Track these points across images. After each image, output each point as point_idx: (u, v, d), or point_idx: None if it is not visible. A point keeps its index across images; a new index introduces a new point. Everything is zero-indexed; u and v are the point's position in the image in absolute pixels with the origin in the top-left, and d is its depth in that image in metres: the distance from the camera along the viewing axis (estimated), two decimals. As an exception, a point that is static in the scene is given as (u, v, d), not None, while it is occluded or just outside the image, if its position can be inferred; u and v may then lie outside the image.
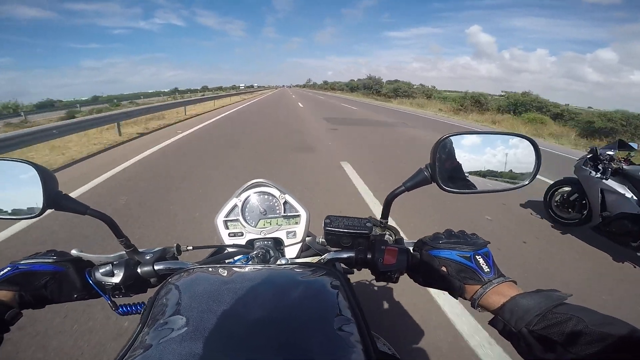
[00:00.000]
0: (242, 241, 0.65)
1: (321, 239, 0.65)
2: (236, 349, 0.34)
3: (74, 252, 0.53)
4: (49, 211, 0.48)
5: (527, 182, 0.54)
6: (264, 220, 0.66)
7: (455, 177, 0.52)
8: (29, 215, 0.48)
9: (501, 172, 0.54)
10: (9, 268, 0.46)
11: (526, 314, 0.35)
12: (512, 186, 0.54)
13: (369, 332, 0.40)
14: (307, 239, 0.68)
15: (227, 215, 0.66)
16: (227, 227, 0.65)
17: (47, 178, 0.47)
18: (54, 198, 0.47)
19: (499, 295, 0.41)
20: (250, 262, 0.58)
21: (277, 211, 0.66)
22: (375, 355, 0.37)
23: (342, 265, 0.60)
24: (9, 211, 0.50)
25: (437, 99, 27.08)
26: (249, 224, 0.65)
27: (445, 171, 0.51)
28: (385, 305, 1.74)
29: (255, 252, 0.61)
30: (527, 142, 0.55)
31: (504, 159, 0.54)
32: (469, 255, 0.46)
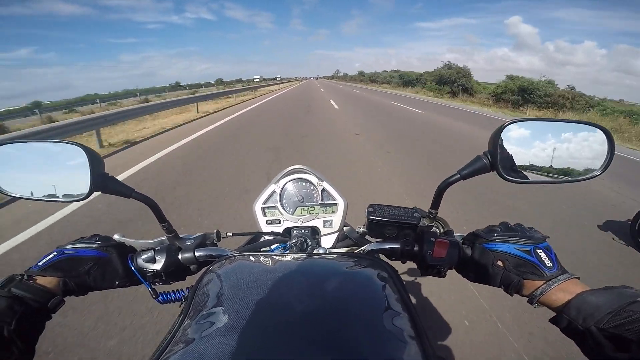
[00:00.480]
0: (279, 229, 0.63)
1: (361, 229, 0.62)
2: (283, 344, 0.32)
3: (116, 236, 0.54)
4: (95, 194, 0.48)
5: (598, 173, 0.49)
6: (300, 208, 0.64)
7: (517, 165, 0.48)
8: (76, 198, 0.48)
9: (567, 162, 0.49)
10: (55, 253, 0.46)
11: (596, 312, 0.33)
12: (581, 177, 0.49)
13: (424, 329, 0.37)
14: (344, 228, 0.66)
15: (265, 202, 0.64)
16: (264, 214, 0.64)
17: (95, 160, 0.46)
18: (101, 180, 0.47)
19: (563, 292, 0.38)
20: (288, 251, 0.57)
21: (315, 199, 0.65)
22: (433, 353, 0.34)
23: (383, 257, 0.58)
24: (57, 194, 0.50)
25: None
26: (286, 212, 0.64)
27: (506, 159, 0.47)
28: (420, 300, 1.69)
29: (293, 241, 0.60)
30: (599, 131, 0.49)
31: (570, 149, 0.49)
32: (529, 249, 0.43)
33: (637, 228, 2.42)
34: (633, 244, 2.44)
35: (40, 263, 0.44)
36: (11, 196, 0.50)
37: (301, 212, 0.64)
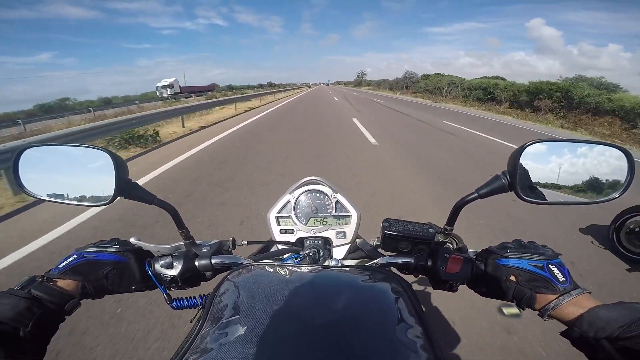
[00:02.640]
0: (292, 238, 0.64)
1: (375, 242, 0.63)
2: (300, 357, 0.32)
3: (132, 240, 0.54)
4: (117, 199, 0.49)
5: (617, 195, 0.49)
6: (314, 219, 0.65)
7: (536, 186, 0.48)
8: (100, 203, 0.49)
9: (586, 183, 0.49)
10: (75, 256, 0.47)
11: (607, 326, 0.34)
12: (600, 199, 0.49)
13: (438, 342, 0.37)
14: (357, 240, 0.66)
15: (280, 211, 0.65)
16: (278, 224, 0.65)
17: (120, 166, 0.48)
18: (125, 186, 0.48)
19: (575, 306, 0.39)
20: (301, 261, 0.57)
21: (328, 210, 0.65)
22: None
23: (395, 270, 0.58)
24: (82, 198, 0.51)
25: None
26: (300, 222, 0.64)
27: (525, 179, 0.47)
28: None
29: (306, 252, 0.60)
30: (619, 152, 0.49)
31: (589, 170, 0.49)
32: (541, 264, 0.44)
33: (615, 229, 2.45)
34: (610, 246, 2.47)
35: (60, 266, 0.45)
36: (37, 198, 0.52)
37: (314, 223, 0.64)
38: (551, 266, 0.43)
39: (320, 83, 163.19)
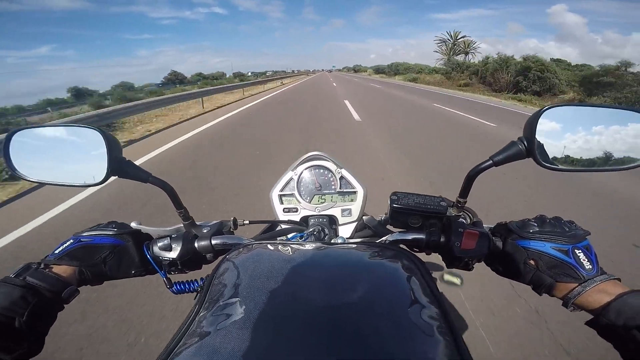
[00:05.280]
0: (296, 217, 0.62)
1: (383, 218, 0.60)
2: (304, 339, 0.30)
3: (133, 224, 0.52)
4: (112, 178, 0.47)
5: None
6: (318, 196, 0.62)
7: (555, 152, 0.45)
8: (93, 182, 0.47)
9: (609, 149, 0.46)
10: (71, 241, 0.45)
11: (638, 314, 0.32)
12: (624, 166, 0.46)
13: (455, 324, 0.35)
14: (364, 217, 0.64)
15: (282, 189, 0.63)
16: (281, 202, 0.63)
17: (112, 144, 0.45)
18: (118, 165, 0.46)
19: (601, 293, 0.36)
20: (306, 240, 0.55)
21: (333, 187, 0.63)
22: (466, 349, 0.31)
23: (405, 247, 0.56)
24: (74, 178, 0.50)
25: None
26: (303, 200, 0.62)
27: (544, 145, 0.44)
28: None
29: (310, 230, 0.58)
30: None
31: (614, 137, 0.46)
32: (566, 249, 0.40)
33: None
34: None
35: (56, 251, 0.43)
36: (28, 180, 0.50)
37: (319, 201, 0.62)
38: (577, 250, 0.39)
39: (322, 70, 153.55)
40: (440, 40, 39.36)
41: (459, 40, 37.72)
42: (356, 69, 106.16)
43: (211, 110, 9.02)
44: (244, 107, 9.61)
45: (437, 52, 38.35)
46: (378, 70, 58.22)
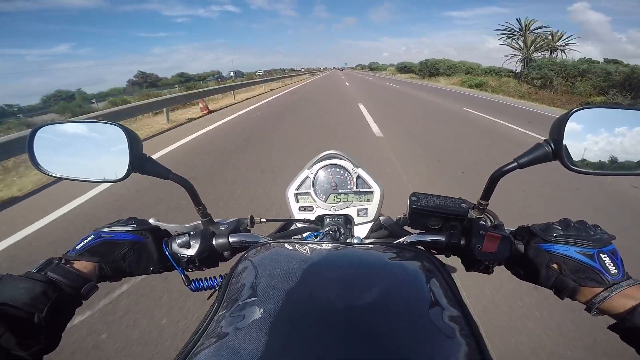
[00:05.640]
0: (311, 216, 0.62)
1: (401, 219, 0.59)
2: (323, 339, 0.29)
3: (151, 220, 0.53)
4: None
5: None
6: (334, 195, 0.62)
7: (583, 155, 0.43)
8: (115, 179, 0.48)
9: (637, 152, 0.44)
10: (92, 236, 0.45)
11: None
12: None
13: (478, 327, 0.34)
14: (381, 218, 0.63)
15: (298, 187, 0.63)
16: (297, 201, 0.63)
17: (134, 141, 0.46)
18: (139, 161, 0.46)
19: (627, 298, 0.35)
20: (322, 240, 0.55)
21: (349, 186, 0.62)
22: (489, 355, 0.30)
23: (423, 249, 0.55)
24: (96, 174, 0.50)
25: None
26: (319, 199, 0.61)
27: (571, 147, 0.42)
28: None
29: (326, 229, 0.58)
30: None
31: None
32: (591, 253, 0.39)
33: None
34: None
35: (77, 247, 0.44)
36: (51, 176, 0.51)
37: (334, 200, 0.62)
38: (602, 255, 0.39)
39: (334, 68, 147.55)
40: (505, 31, 24.54)
41: (534, 32, 23.49)
42: (373, 67, 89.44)
43: (175, 127, 6.48)
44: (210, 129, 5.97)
45: (505, 45, 24.03)
46: (404, 68, 43.55)
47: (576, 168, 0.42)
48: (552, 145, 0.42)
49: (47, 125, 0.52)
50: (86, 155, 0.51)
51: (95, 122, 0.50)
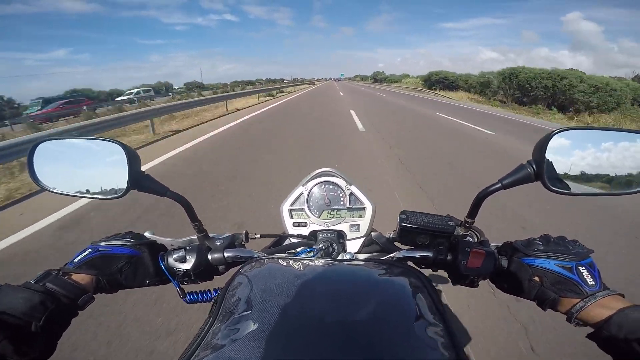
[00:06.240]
0: (305, 232, 0.63)
1: (391, 235, 0.61)
2: (316, 354, 0.31)
3: (147, 234, 0.54)
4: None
5: None
6: (327, 212, 0.64)
7: (564, 176, 0.46)
8: (113, 196, 0.49)
9: (620, 174, 0.47)
10: (90, 250, 0.46)
11: (639, 328, 0.33)
12: (635, 190, 0.46)
13: (460, 341, 0.36)
14: (372, 233, 0.64)
15: (293, 204, 0.64)
16: (291, 216, 0.64)
17: (133, 159, 0.47)
18: (138, 179, 0.48)
19: (602, 308, 0.37)
20: (315, 255, 0.56)
21: (342, 202, 0.64)
22: None
23: (412, 265, 0.56)
24: (94, 190, 0.51)
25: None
26: (313, 215, 0.63)
27: (553, 169, 0.45)
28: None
29: (320, 245, 0.59)
30: None
31: (625, 160, 0.47)
32: (570, 265, 0.41)
33: None
34: None
35: (75, 260, 0.45)
36: (50, 191, 0.52)
37: (328, 216, 0.63)
38: (581, 268, 0.41)
39: (330, 78, 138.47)
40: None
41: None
42: (378, 78, 71.75)
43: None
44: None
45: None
46: (430, 79, 33.23)
47: (557, 189, 0.44)
48: (534, 167, 0.44)
49: (48, 140, 0.52)
50: (86, 172, 0.52)
51: (96, 139, 0.52)
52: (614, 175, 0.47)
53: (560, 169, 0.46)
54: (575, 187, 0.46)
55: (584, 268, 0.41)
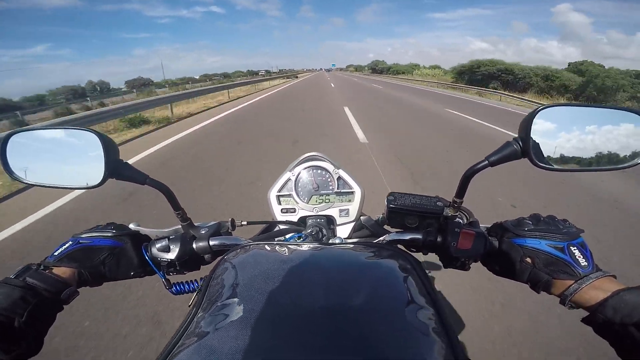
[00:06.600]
0: (294, 218, 0.62)
1: (380, 218, 0.61)
2: (302, 339, 0.30)
3: (131, 225, 0.53)
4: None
5: (639, 161, 0.46)
6: (316, 197, 0.63)
7: (550, 152, 0.45)
8: (90, 185, 0.47)
9: (604, 149, 0.47)
10: (70, 242, 0.45)
11: (634, 311, 0.32)
12: (619, 165, 0.46)
13: (451, 324, 0.35)
14: (362, 217, 0.64)
15: (280, 190, 0.63)
16: (279, 203, 0.63)
17: (109, 147, 0.45)
18: (115, 167, 0.46)
19: (597, 290, 0.36)
20: (304, 241, 0.55)
21: (330, 187, 0.63)
22: (461, 350, 0.31)
23: (402, 248, 0.56)
24: (71, 181, 0.50)
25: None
26: (301, 200, 0.62)
27: (538, 146, 0.44)
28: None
29: (309, 230, 0.58)
30: (637, 116, 0.46)
31: (607, 136, 0.47)
32: (562, 245, 0.40)
33: None
34: None
35: (56, 253, 0.44)
36: (25, 183, 0.50)
37: (316, 201, 0.62)
38: (572, 247, 0.40)
39: (320, 69, 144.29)
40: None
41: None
42: (378, 69, 61.36)
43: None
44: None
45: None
46: (471, 71, 25.61)
47: (544, 165, 0.44)
48: (521, 144, 0.44)
49: (21, 131, 0.51)
50: (61, 162, 0.50)
51: (70, 128, 0.50)
52: (600, 151, 0.46)
53: (548, 145, 0.45)
54: (565, 161, 0.46)
55: (575, 248, 0.40)
